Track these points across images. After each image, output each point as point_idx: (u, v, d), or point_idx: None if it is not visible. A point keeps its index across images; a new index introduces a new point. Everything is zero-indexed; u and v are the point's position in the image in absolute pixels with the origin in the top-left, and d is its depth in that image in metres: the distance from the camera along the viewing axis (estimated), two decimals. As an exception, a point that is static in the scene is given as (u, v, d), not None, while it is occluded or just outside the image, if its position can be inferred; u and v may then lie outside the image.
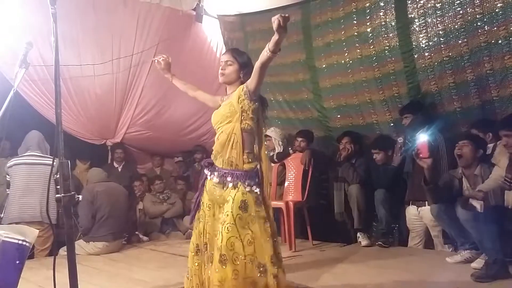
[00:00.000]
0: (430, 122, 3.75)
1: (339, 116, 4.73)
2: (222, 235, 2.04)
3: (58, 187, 4.07)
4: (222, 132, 2.23)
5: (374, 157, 4.17)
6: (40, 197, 4.00)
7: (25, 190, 4.02)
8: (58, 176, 1.59)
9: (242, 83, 2.25)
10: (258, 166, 2.25)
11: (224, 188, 2.18)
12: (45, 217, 3.96)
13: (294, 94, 5.04)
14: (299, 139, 4.55)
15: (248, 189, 2.15)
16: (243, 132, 2.18)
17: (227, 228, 2.04)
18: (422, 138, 3.21)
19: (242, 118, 2.18)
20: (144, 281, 3.08)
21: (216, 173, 2.22)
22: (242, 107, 2.18)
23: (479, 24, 3.52)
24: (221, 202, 2.20)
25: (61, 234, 2.64)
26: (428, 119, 3.81)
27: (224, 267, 2.00)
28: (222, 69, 2.32)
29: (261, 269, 2.06)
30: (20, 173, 4.07)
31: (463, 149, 3.19)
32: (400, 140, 3.98)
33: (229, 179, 2.17)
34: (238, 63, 2.29)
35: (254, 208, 2.13)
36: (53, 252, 3.86)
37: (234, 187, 2.15)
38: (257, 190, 2.18)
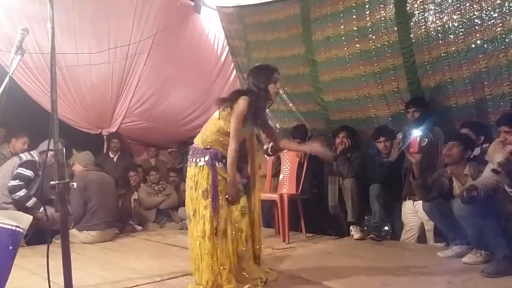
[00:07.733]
0: (434, 117, 3.76)
1: (337, 109, 4.73)
2: None
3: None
4: None
5: (383, 146, 4.02)
6: None
7: None
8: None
9: None
10: None
11: None
12: None
13: (295, 87, 5.02)
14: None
15: None
16: None
17: None
18: (414, 133, 3.21)
19: None
20: (138, 270, 3.09)
21: None
22: None
23: (476, 21, 3.52)
24: None
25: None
26: (433, 114, 3.82)
27: None
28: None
29: None
30: None
31: (452, 149, 3.20)
32: (399, 135, 3.95)
33: None
34: None
35: None
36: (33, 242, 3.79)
37: None
38: None
